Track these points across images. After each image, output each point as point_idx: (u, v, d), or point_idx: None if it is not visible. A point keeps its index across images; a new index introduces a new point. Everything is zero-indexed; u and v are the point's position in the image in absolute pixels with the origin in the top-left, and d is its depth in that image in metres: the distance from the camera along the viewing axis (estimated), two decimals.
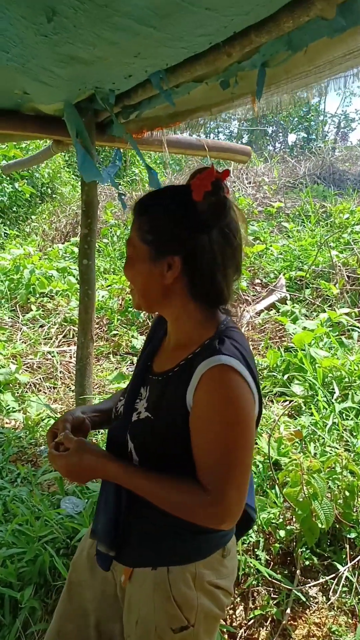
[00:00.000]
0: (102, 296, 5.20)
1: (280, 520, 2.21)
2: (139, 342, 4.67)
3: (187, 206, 1.10)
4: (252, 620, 2.00)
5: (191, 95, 2.25)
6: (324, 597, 2.06)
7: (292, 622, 1.99)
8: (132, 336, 4.81)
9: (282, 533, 2.16)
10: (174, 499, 1.07)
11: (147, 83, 2.20)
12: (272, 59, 1.73)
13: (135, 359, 4.35)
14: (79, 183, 11.16)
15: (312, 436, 2.67)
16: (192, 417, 1.07)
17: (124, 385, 3.80)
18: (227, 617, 2.03)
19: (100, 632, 1.35)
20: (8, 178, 9.78)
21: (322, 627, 1.95)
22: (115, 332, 4.92)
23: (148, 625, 1.16)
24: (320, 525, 2.04)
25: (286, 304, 4.76)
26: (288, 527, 2.19)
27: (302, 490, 2.09)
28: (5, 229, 9.23)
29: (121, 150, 3.29)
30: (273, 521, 2.20)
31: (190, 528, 1.11)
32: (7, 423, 3.66)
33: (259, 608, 2.01)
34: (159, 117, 2.80)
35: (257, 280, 5.52)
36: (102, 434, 3.28)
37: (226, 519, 1.07)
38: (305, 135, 26.33)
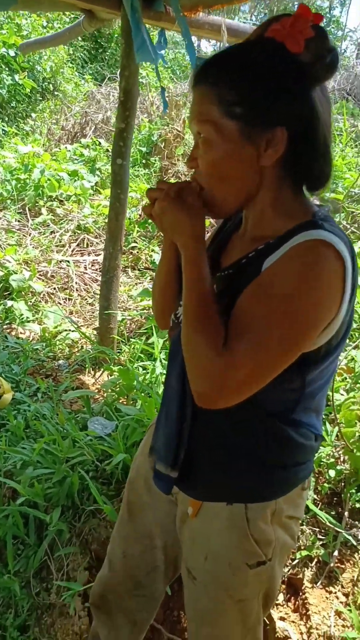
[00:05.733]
0: None
1: (331, 460, 2.06)
2: (158, 257, 4.37)
3: (286, 61, 0.83)
4: (296, 561, 1.90)
5: None
6: None
7: (339, 565, 1.89)
8: (153, 250, 4.50)
9: (332, 473, 2.02)
10: (204, 323, 0.85)
11: None
12: None
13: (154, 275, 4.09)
14: (83, 81, 10.34)
15: None
16: (257, 279, 0.86)
17: (149, 302, 3.55)
18: None
19: (166, 555, 1.30)
20: (7, 69, 8.93)
21: None
22: (134, 244, 4.60)
23: (220, 561, 1.05)
24: None
25: None
26: (338, 467, 2.04)
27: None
28: (3, 126, 8.55)
29: (165, 31, 2.84)
30: (323, 460, 2.05)
31: (277, 461, 0.98)
32: (21, 333, 3.43)
33: (304, 549, 1.90)
34: None
35: None
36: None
37: (223, 394, 0.83)
38: None
